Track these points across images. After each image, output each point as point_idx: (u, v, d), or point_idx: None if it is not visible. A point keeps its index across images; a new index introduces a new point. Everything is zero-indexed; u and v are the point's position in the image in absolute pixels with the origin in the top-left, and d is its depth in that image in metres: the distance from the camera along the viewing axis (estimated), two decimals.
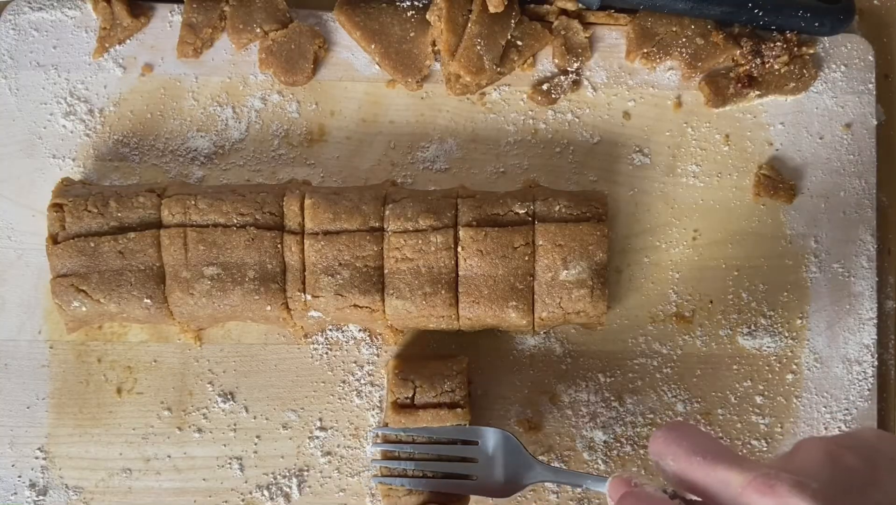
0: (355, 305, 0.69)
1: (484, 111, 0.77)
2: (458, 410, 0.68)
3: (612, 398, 0.74)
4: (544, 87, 0.76)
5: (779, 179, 0.76)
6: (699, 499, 0.52)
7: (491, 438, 0.67)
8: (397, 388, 0.69)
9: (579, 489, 0.72)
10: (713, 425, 0.74)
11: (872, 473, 0.49)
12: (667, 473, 0.53)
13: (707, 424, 0.74)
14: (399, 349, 0.74)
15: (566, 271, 0.68)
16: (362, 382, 0.74)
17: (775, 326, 0.75)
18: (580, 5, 0.76)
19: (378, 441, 0.68)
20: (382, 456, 0.68)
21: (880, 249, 0.77)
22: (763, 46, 0.75)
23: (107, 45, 0.76)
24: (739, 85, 0.76)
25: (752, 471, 0.49)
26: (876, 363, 0.75)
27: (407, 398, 0.68)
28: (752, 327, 0.75)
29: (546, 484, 0.73)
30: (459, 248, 0.68)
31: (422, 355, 0.74)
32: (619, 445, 0.74)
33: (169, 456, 0.73)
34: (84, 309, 0.69)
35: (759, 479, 0.47)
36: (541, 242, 0.68)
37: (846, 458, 0.49)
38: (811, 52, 0.76)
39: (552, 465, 0.72)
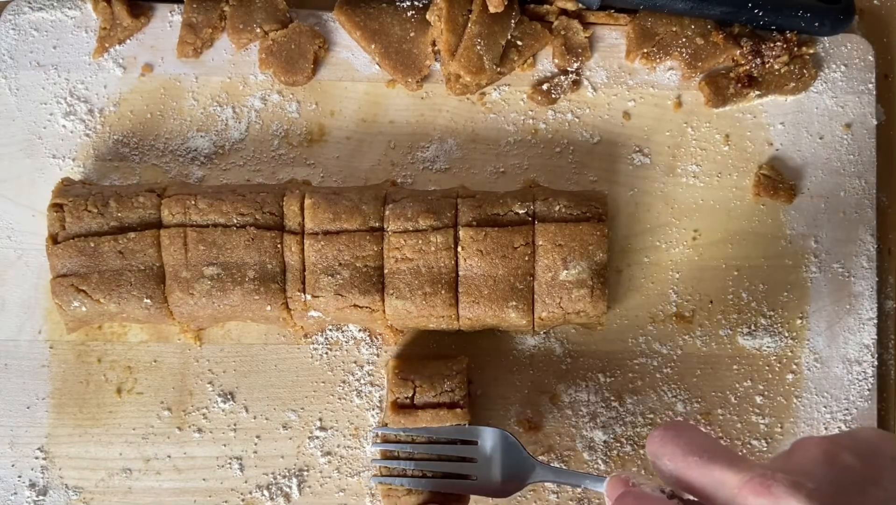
0: (355, 305, 0.69)
1: (484, 111, 0.77)
2: (458, 410, 0.68)
3: (612, 398, 0.74)
4: (544, 87, 0.76)
5: (779, 179, 0.76)
6: (696, 499, 0.52)
7: (490, 437, 0.67)
8: (397, 387, 0.69)
9: (579, 489, 0.72)
10: (713, 425, 0.74)
11: (872, 472, 0.48)
12: (664, 473, 0.53)
13: (707, 424, 0.74)
14: (399, 349, 0.74)
15: (566, 271, 0.68)
16: (362, 382, 0.74)
17: (775, 326, 0.75)
18: (580, 5, 0.76)
19: (378, 441, 0.68)
20: (382, 456, 0.68)
21: (880, 249, 0.77)
22: (763, 46, 0.75)
23: (107, 45, 0.76)
24: (739, 85, 0.76)
25: (748, 471, 0.48)
26: (876, 363, 0.75)
27: (407, 398, 0.68)
28: (752, 327, 0.75)
29: (546, 484, 0.73)
30: (459, 248, 0.68)
31: (422, 355, 0.74)
32: (619, 445, 0.74)
33: (169, 456, 0.73)
34: (84, 309, 0.69)
35: (756, 479, 0.47)
36: (541, 242, 0.68)
37: (844, 457, 0.49)
38: (811, 52, 0.76)
39: (551, 465, 0.72)
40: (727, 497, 0.49)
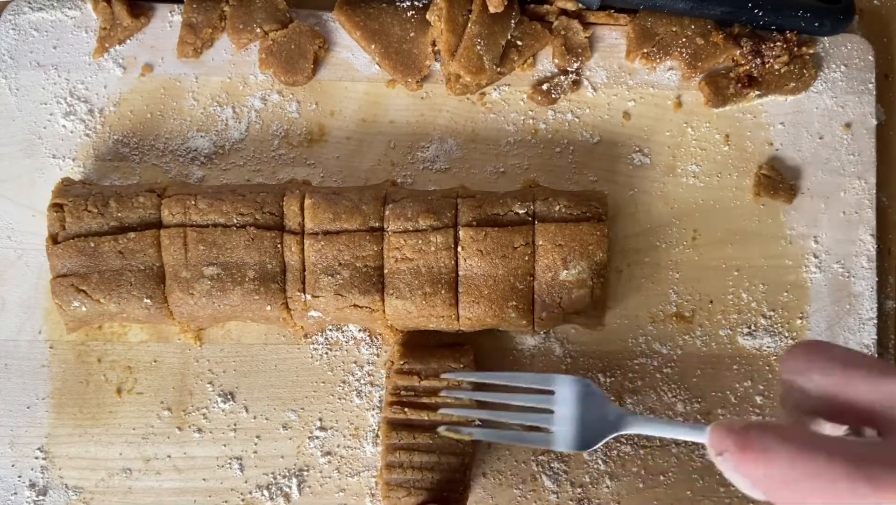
0: (355, 305, 0.69)
1: (484, 111, 0.77)
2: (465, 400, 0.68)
3: (612, 398, 0.74)
4: (544, 87, 0.76)
5: (779, 179, 0.76)
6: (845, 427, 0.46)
7: (569, 386, 0.62)
8: (401, 380, 0.68)
9: (580, 490, 0.71)
10: None
11: None
12: (807, 394, 0.46)
13: (707, 424, 0.74)
14: (402, 338, 0.73)
15: (566, 271, 0.68)
16: (362, 382, 0.74)
17: (775, 326, 0.75)
18: (580, 5, 0.76)
19: (449, 385, 0.65)
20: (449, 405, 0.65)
21: (880, 249, 0.77)
22: (763, 46, 0.75)
23: (107, 45, 0.76)
24: (739, 85, 0.76)
25: None
26: None
27: (411, 390, 0.68)
28: (752, 327, 0.75)
29: (546, 484, 0.73)
30: (459, 248, 0.68)
31: (426, 345, 0.73)
32: (618, 444, 0.74)
33: (169, 456, 0.73)
34: (84, 309, 0.69)
35: None
36: (541, 242, 0.68)
37: None
38: (811, 52, 0.76)
39: (638, 414, 0.66)
40: None
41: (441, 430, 0.66)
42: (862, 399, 0.45)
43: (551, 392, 0.63)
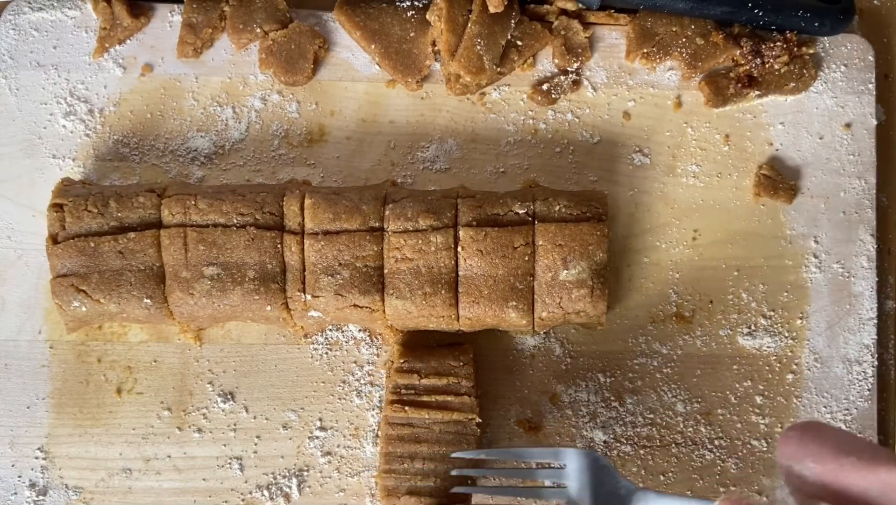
0: (355, 305, 0.69)
1: (484, 111, 0.77)
2: (466, 399, 0.68)
3: (612, 398, 0.74)
4: (544, 87, 0.76)
5: (779, 179, 0.76)
6: None
7: (578, 460, 0.63)
8: (402, 378, 0.68)
9: None
10: (713, 425, 0.74)
11: None
12: (804, 480, 0.47)
13: (707, 424, 0.74)
14: (402, 338, 0.73)
15: (566, 271, 0.68)
16: (362, 382, 0.74)
17: (775, 326, 0.75)
18: (580, 5, 0.76)
19: (462, 466, 0.66)
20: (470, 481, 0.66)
21: (880, 249, 0.77)
22: (763, 46, 0.75)
23: (107, 45, 0.76)
24: (739, 85, 0.76)
25: None
26: (876, 363, 0.75)
27: (411, 389, 0.68)
28: (752, 327, 0.75)
29: (546, 483, 0.73)
30: (459, 249, 0.68)
31: (426, 344, 0.73)
32: (618, 444, 0.74)
33: (169, 456, 0.73)
34: (84, 309, 0.69)
35: None
36: (541, 242, 0.68)
37: None
38: (811, 52, 0.76)
39: (650, 489, 0.64)
40: None
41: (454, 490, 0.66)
42: (854, 488, 0.45)
43: (562, 466, 0.63)
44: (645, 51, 0.76)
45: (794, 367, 0.75)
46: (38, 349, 0.74)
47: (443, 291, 0.68)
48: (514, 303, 0.68)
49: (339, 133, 0.76)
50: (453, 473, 0.66)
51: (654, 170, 0.76)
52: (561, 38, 0.76)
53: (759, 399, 0.74)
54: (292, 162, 0.76)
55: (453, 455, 0.67)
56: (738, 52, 0.75)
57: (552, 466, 0.64)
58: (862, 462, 0.44)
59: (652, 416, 0.74)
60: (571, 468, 0.63)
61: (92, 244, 0.68)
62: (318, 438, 0.73)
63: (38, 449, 0.73)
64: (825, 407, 0.74)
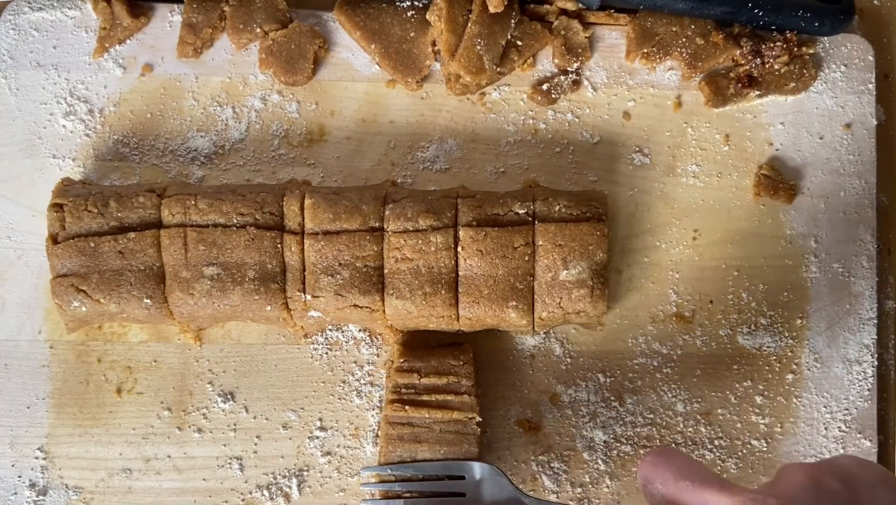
0: (355, 305, 0.69)
1: (484, 111, 0.77)
2: (466, 397, 0.68)
3: (612, 398, 0.74)
4: (544, 87, 0.76)
5: (779, 179, 0.76)
6: None
7: (478, 472, 0.66)
8: (402, 378, 0.68)
9: (579, 490, 0.72)
10: (713, 425, 0.74)
11: (854, 496, 0.50)
12: (654, 498, 0.55)
13: (707, 423, 0.74)
14: (402, 337, 0.73)
15: (566, 271, 0.68)
16: (362, 382, 0.74)
17: (775, 326, 0.75)
18: (580, 5, 0.76)
19: (369, 480, 0.68)
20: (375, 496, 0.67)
21: (880, 249, 0.77)
22: (763, 46, 0.75)
23: (107, 45, 0.76)
24: (739, 85, 0.76)
25: (739, 495, 0.50)
26: (876, 363, 0.75)
27: (411, 388, 0.68)
28: (752, 327, 0.75)
29: (546, 484, 0.73)
30: (459, 248, 0.68)
31: (426, 344, 0.73)
32: (618, 444, 0.74)
33: (169, 456, 0.73)
34: (84, 309, 0.69)
35: (748, 503, 0.49)
36: (541, 242, 0.68)
37: (828, 481, 0.51)
38: (811, 52, 0.76)
39: (538, 498, 0.69)
40: None
41: None
42: None
43: (462, 477, 0.66)
44: (645, 51, 0.76)
45: (794, 367, 0.75)
46: (38, 349, 0.74)
47: (443, 291, 0.68)
48: (514, 303, 0.68)
49: (339, 133, 0.76)
50: (361, 485, 0.70)
51: (654, 170, 0.76)
52: (561, 38, 0.76)
53: (759, 399, 0.74)
54: (292, 162, 0.76)
55: (362, 470, 0.70)
56: (738, 52, 0.75)
57: (452, 476, 0.67)
58: (694, 486, 0.52)
59: (652, 416, 0.74)
60: (471, 478, 0.66)
61: (92, 244, 0.68)
62: (318, 438, 0.73)
63: (38, 449, 0.73)
64: (825, 407, 0.74)
